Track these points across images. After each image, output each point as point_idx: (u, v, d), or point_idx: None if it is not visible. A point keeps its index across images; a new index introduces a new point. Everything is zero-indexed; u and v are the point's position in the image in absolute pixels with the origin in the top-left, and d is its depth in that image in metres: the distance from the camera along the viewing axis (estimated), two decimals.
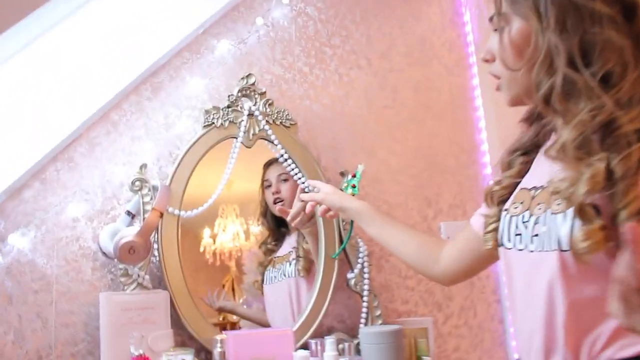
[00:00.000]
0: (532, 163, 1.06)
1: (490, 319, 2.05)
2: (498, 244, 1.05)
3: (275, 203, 1.74)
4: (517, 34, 0.95)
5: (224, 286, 1.74)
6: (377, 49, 2.03)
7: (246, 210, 1.77)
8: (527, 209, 0.96)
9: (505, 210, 1.03)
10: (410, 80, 2.07)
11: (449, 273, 1.25)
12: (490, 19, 1.00)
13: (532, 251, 0.93)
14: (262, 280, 1.76)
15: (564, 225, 0.86)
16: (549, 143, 0.98)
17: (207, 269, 1.70)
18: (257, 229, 1.78)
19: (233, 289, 1.75)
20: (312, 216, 1.66)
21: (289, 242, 1.78)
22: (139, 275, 1.47)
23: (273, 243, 1.79)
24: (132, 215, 1.54)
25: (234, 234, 1.74)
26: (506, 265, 1.03)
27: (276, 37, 1.87)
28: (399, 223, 1.37)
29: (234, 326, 1.74)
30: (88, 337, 1.47)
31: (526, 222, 0.95)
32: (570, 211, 0.84)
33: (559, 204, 0.88)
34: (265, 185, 1.77)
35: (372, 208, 1.38)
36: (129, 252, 1.39)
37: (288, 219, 1.56)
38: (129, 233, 1.40)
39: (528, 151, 1.07)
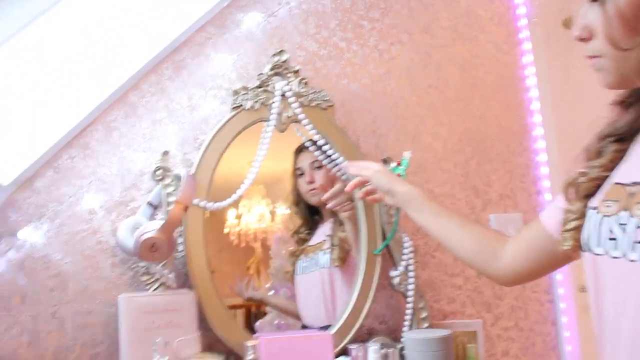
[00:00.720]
0: (627, 152, 0.88)
1: (542, 321, 1.88)
2: (582, 248, 0.88)
3: (310, 192, 1.59)
4: (628, 4, 0.78)
5: (248, 268, 1.64)
6: (419, 23, 1.84)
7: (272, 191, 1.66)
8: (625, 209, 0.80)
9: (594, 208, 0.86)
10: (455, 57, 1.88)
11: (511, 273, 1.11)
12: None
13: (633, 260, 0.76)
14: (294, 271, 1.64)
15: None
16: None
17: (231, 250, 1.60)
18: (283, 211, 1.68)
19: (258, 272, 1.65)
20: (353, 198, 1.52)
21: (323, 231, 1.64)
22: (162, 274, 1.33)
23: (306, 232, 1.66)
24: (154, 207, 1.41)
25: (260, 215, 1.64)
26: (594, 274, 0.86)
27: (309, 10, 1.69)
28: (454, 213, 1.24)
29: (259, 309, 1.63)
30: (108, 340, 1.36)
31: (624, 224, 0.79)
32: None
33: None
34: (297, 173, 1.63)
35: (424, 194, 1.24)
36: (151, 250, 1.25)
37: (325, 197, 1.44)
38: (151, 228, 1.26)
39: (623, 138, 0.90)
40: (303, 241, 1.66)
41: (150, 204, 1.40)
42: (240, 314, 1.58)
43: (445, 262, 1.74)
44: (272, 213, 1.66)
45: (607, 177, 0.88)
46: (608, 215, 0.82)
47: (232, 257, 1.61)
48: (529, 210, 1.89)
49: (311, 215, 1.66)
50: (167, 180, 1.38)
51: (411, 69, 1.80)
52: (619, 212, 0.80)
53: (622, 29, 0.79)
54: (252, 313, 1.62)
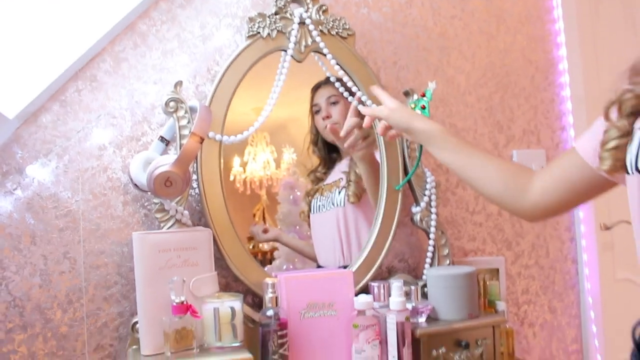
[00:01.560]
0: None
1: (563, 259, 1.84)
2: (627, 170, 0.83)
3: (327, 128, 1.52)
4: None
5: (254, 215, 1.59)
6: None
7: (276, 138, 1.59)
8: None
9: None
10: None
11: (540, 206, 1.05)
12: None
13: None
14: (309, 210, 1.59)
15: None
16: None
17: (237, 198, 1.54)
18: (289, 157, 1.61)
19: (264, 219, 1.60)
20: (367, 136, 1.45)
21: (339, 168, 1.59)
22: (176, 211, 1.27)
23: (323, 171, 1.61)
24: (166, 142, 1.34)
25: (265, 162, 1.59)
26: None
27: None
28: (477, 149, 1.16)
29: (265, 255, 1.59)
30: (122, 280, 1.32)
31: None
32: None
33: None
34: (314, 110, 1.56)
35: (445, 130, 1.17)
36: (165, 184, 1.19)
37: (342, 132, 1.38)
38: (165, 162, 1.19)
39: None
40: (319, 180, 1.60)
41: (162, 138, 1.34)
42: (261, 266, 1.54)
43: (467, 199, 1.69)
44: (277, 160, 1.61)
45: None
46: None
47: (238, 204, 1.56)
48: (552, 147, 1.83)
49: (329, 153, 1.60)
50: (181, 113, 1.30)
51: None
52: None
53: None
54: (259, 260, 1.58)
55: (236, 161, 1.54)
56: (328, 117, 1.53)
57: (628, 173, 0.83)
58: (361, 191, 1.53)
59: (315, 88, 1.56)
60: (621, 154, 0.84)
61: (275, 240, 1.59)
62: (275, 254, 1.59)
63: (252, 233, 1.55)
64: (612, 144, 0.86)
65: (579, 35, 1.84)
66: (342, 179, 1.56)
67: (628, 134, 0.84)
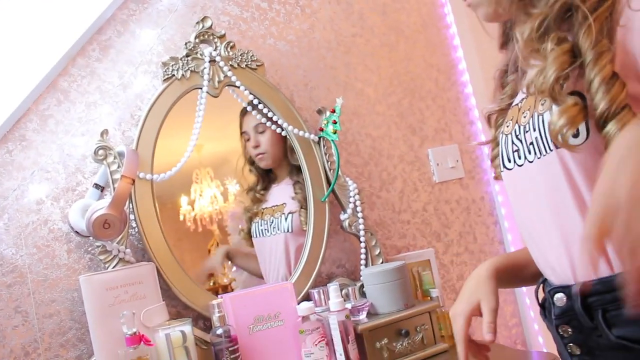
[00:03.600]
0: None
1: (490, 242, 1.99)
2: (500, 170, 1.01)
3: (257, 157, 1.62)
4: None
5: (209, 251, 1.64)
6: None
7: (220, 171, 1.65)
8: (516, 122, 0.92)
9: (500, 132, 1.00)
10: (376, 4, 1.93)
11: None
12: None
13: (531, 162, 0.89)
14: (249, 231, 1.65)
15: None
16: None
17: (190, 237, 1.60)
18: (235, 189, 1.68)
19: None
20: None
21: (279, 192, 1.67)
22: (119, 250, 1.35)
23: (261, 192, 1.67)
24: (101, 188, 1.42)
25: (212, 198, 1.64)
26: (511, 188, 0.98)
27: None
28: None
29: (226, 289, 1.65)
30: (76, 324, 1.37)
31: (518, 135, 0.91)
32: (555, 106, 0.80)
33: (543, 103, 0.84)
34: (245, 138, 1.64)
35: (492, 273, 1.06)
36: (104, 227, 1.27)
37: None
38: (101, 206, 1.28)
39: (517, 70, 1.02)
40: (258, 201, 1.66)
41: (96, 185, 1.41)
42: (208, 292, 1.58)
43: (392, 200, 1.82)
44: (224, 194, 1.66)
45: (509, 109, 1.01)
46: (509, 133, 0.94)
47: (193, 244, 1.61)
48: (463, 141, 1.98)
49: (266, 173, 1.67)
50: (110, 159, 1.39)
51: (334, 21, 1.84)
52: (514, 127, 0.92)
53: None
54: (218, 295, 1.63)
55: (184, 200, 1.59)
56: (257, 146, 1.62)
57: (501, 172, 0.99)
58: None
59: (243, 113, 1.63)
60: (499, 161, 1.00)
61: (227, 254, 1.64)
62: (233, 284, 1.65)
63: (209, 269, 1.61)
64: (493, 153, 1.04)
65: (472, 36, 2.00)
66: (285, 204, 1.64)
67: (499, 142, 1.00)
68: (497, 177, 1.04)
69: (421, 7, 2.02)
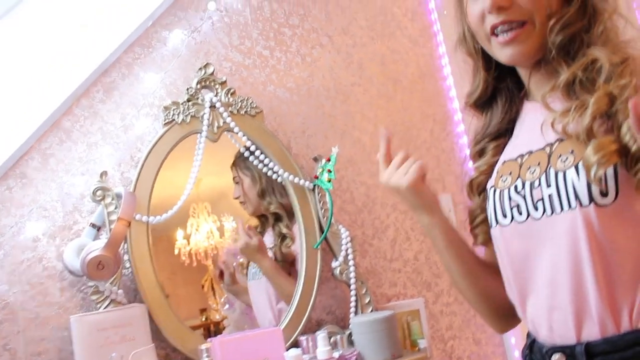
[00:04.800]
0: (505, 146, 1.01)
1: None
2: (490, 225, 0.98)
3: (241, 205, 1.66)
4: None
5: (203, 287, 1.66)
6: (338, 25, 1.94)
7: (218, 207, 1.68)
8: (518, 177, 0.91)
9: (491, 187, 0.97)
10: (375, 55, 1.98)
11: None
12: None
13: (538, 219, 0.87)
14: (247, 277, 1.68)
15: (578, 179, 0.81)
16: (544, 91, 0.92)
17: (184, 271, 1.62)
18: (230, 225, 1.69)
19: (213, 288, 1.67)
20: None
21: (268, 239, 1.69)
22: (111, 291, 1.37)
23: (259, 229, 1.69)
24: (97, 228, 1.44)
25: (208, 233, 1.66)
26: (505, 245, 0.95)
27: (231, 22, 1.76)
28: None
29: (218, 326, 1.66)
30: None
31: (520, 190, 0.90)
32: (581, 164, 0.81)
33: (564, 160, 0.84)
34: (235, 181, 1.68)
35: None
36: (98, 268, 1.29)
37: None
38: (96, 247, 1.30)
39: (498, 136, 1.03)
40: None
41: (93, 225, 1.44)
42: (199, 333, 1.58)
43: (384, 248, 1.84)
44: (220, 229, 1.68)
45: (494, 165, 1.00)
46: (507, 188, 0.93)
47: (186, 278, 1.63)
48: (457, 191, 2.01)
49: (263, 216, 1.69)
50: (108, 200, 1.42)
51: (334, 70, 1.89)
52: (514, 182, 0.92)
53: None
54: (212, 331, 1.64)
55: (179, 234, 1.61)
56: (236, 197, 1.66)
57: (491, 228, 0.97)
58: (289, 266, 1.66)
59: (235, 162, 1.67)
60: (486, 226, 1.00)
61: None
62: (225, 322, 1.66)
63: (223, 284, 1.63)
64: (478, 219, 1.03)
65: (468, 88, 2.05)
66: (270, 250, 1.66)
67: (484, 209, 1.00)
68: (485, 243, 1.02)
69: (419, 58, 2.07)
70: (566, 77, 0.87)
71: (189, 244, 1.63)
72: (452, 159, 2.04)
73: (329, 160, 1.56)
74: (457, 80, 2.07)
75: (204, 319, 1.66)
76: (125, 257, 1.44)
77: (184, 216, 1.60)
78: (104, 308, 1.36)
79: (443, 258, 1.06)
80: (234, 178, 1.66)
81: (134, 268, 1.42)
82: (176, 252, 1.61)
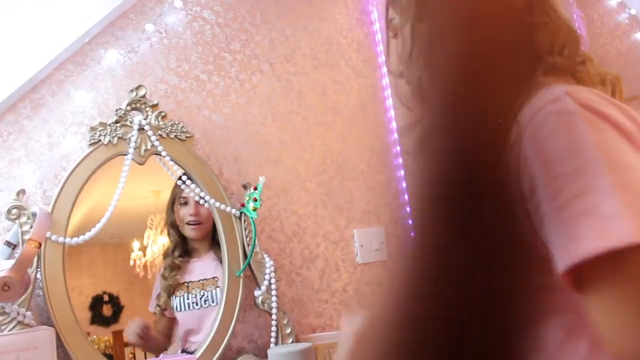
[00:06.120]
0: None
1: None
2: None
3: (189, 224, 1.63)
4: None
5: None
6: (281, 52, 1.95)
7: None
8: None
9: None
10: (316, 83, 2.00)
11: None
12: None
13: None
14: (171, 304, 1.61)
15: None
16: None
17: (141, 282, 1.60)
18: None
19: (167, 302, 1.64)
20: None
21: (204, 267, 1.65)
22: (18, 313, 1.34)
23: (179, 258, 1.63)
24: (12, 246, 1.41)
25: (164, 246, 1.63)
26: None
27: (170, 44, 1.76)
28: None
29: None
30: None
31: None
32: None
33: None
34: (181, 201, 1.64)
35: None
36: (3, 289, 1.26)
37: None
38: (4, 267, 1.27)
39: None
40: (177, 268, 1.62)
41: (8, 243, 1.41)
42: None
43: (311, 279, 1.83)
44: None
45: None
46: None
47: (143, 289, 1.61)
48: (391, 224, 2.02)
49: (183, 241, 1.65)
50: (23, 219, 1.39)
51: (273, 97, 1.89)
52: None
53: None
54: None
55: (135, 245, 1.59)
56: (196, 214, 1.63)
57: None
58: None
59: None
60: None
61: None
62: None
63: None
64: None
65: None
66: (217, 278, 1.62)
67: None
68: None
69: (362, 89, 2.09)
70: None
71: (144, 255, 1.61)
72: (387, 191, 2.05)
73: (255, 188, 1.56)
74: (398, 113, 2.09)
75: None
76: (39, 276, 1.41)
77: (141, 227, 1.59)
78: (9, 330, 1.33)
79: None
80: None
81: (45, 290, 1.39)
82: (131, 263, 1.59)
